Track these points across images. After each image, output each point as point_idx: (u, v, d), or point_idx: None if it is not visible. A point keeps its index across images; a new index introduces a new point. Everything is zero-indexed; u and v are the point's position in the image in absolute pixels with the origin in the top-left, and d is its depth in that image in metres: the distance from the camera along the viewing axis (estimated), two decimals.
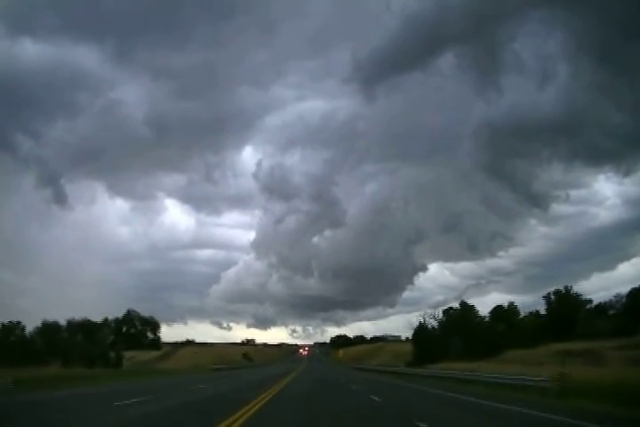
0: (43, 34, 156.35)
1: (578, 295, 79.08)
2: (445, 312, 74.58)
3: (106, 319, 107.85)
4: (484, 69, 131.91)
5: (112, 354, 62.65)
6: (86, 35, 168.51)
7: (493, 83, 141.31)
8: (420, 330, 73.56)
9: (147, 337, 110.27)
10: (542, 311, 77.32)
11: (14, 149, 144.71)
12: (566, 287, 79.24)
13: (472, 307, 73.59)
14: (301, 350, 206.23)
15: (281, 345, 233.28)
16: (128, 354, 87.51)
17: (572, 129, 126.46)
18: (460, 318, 71.01)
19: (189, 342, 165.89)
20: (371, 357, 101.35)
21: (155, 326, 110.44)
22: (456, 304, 75.16)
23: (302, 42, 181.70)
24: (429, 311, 73.80)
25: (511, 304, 78.00)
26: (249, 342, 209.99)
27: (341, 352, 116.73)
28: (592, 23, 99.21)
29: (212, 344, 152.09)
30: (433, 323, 75.41)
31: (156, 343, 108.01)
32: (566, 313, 72.02)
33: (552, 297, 79.87)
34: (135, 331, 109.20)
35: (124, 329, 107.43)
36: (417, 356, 71.63)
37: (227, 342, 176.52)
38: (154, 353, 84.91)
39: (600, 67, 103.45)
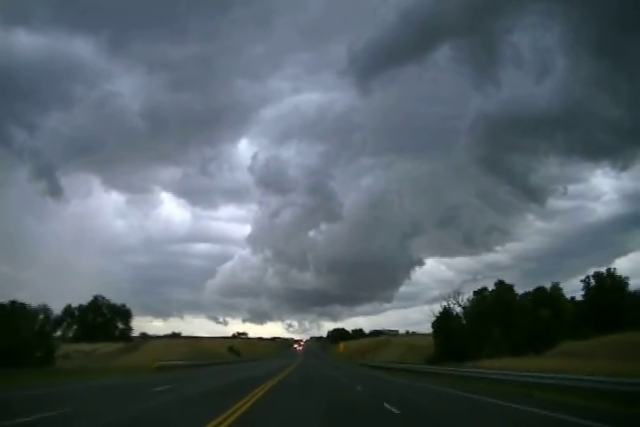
0: (37, 25, 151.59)
1: (621, 279, 65.07)
2: (478, 295, 59.44)
3: (68, 306, 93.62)
4: (480, 62, 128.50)
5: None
6: (81, 26, 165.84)
7: (490, 76, 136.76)
8: (445, 318, 58.49)
9: (116, 327, 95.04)
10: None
11: (9, 142, 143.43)
12: (608, 270, 66.65)
13: (511, 288, 58.36)
14: (296, 345, 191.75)
15: (275, 339, 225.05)
16: (90, 346, 73.37)
17: (569, 123, 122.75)
18: (498, 303, 56.04)
19: (175, 335, 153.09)
20: (377, 351, 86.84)
21: (126, 316, 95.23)
22: (490, 284, 59.88)
23: (299, 34, 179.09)
24: (453, 295, 58.62)
25: (555, 285, 62.88)
26: (240, 336, 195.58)
27: (342, 346, 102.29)
28: (590, 17, 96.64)
29: (199, 338, 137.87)
30: (457, 309, 60.59)
31: (126, 334, 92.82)
32: (609, 299, 60.26)
33: (591, 281, 66.05)
34: (103, 320, 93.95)
35: (90, 318, 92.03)
36: (441, 350, 56.78)
37: (221, 336, 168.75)
38: (118, 345, 70.14)
39: (598, 61, 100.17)
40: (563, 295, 63.55)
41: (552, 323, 56.47)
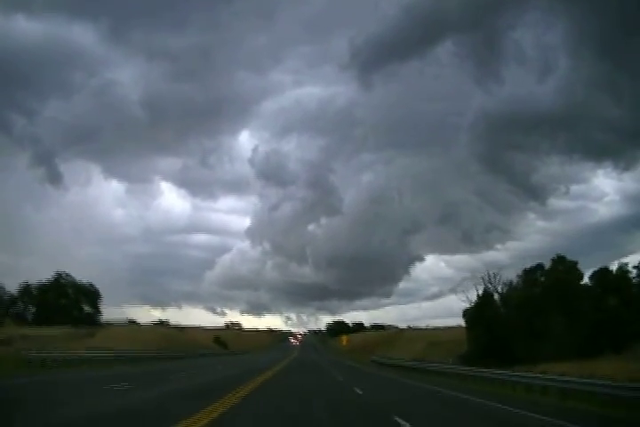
0: (37, 11, 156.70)
1: None
2: (529, 275, 45.46)
3: (26, 285, 80.00)
4: (483, 59, 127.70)
5: None
6: (81, 13, 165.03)
7: (492, 73, 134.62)
8: (484, 306, 44.55)
9: (81, 309, 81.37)
10: None
11: (8, 129, 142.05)
12: None
13: (574, 267, 44.19)
14: (292, 338, 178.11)
15: (271, 331, 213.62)
16: (39, 331, 59.78)
17: (571, 122, 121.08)
18: (556, 286, 42.11)
19: (161, 323, 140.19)
20: (387, 346, 73.29)
21: (94, 297, 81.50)
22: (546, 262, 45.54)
23: (301, 27, 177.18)
24: (490, 277, 44.54)
25: (623, 266, 48.52)
26: (234, 327, 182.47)
27: (345, 339, 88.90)
28: (593, 15, 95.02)
29: (185, 327, 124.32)
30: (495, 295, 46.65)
31: (93, 319, 79.13)
32: None
33: None
34: (67, 302, 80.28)
35: (51, 299, 78.33)
36: (478, 347, 42.99)
37: (213, 326, 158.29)
38: (66, 330, 56.63)
39: (601, 60, 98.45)
40: (629, 280, 49.47)
41: (622, 313, 42.66)
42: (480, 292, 45.04)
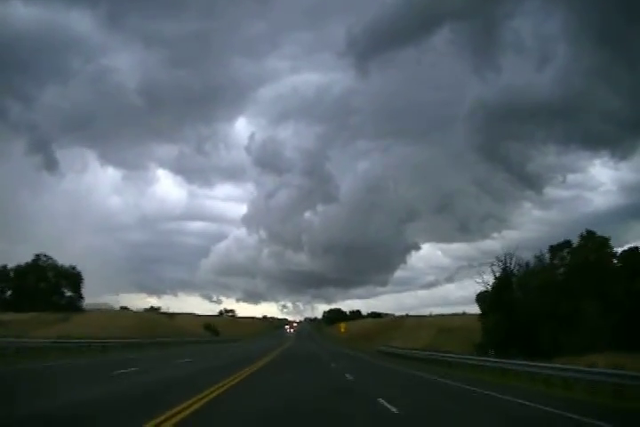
0: None
1: None
2: (557, 252, 40.44)
3: (4, 267, 74.86)
4: (480, 47, 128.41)
5: None
6: None
7: (490, 62, 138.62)
8: (503, 289, 39.59)
9: (62, 294, 76.28)
10: None
11: (5, 114, 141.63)
12: None
13: (605, 243, 39.05)
14: (287, 326, 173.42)
15: (266, 318, 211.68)
16: (13, 316, 54.92)
17: (568, 112, 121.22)
18: (587, 267, 37.24)
19: (153, 309, 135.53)
20: (389, 334, 68.67)
21: (76, 280, 76.38)
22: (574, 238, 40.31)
23: (298, 13, 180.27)
24: (508, 257, 39.41)
25: None
26: (227, 314, 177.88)
27: (343, 327, 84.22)
28: (593, 4, 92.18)
29: (175, 314, 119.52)
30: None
31: (75, 304, 74.10)
32: None
33: None
34: (47, 285, 75.16)
35: (31, 282, 73.15)
36: (497, 336, 38.15)
37: (206, 313, 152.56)
38: (37, 315, 51.70)
39: (600, 49, 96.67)
40: None
41: None
42: (497, 274, 39.97)
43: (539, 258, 42.07)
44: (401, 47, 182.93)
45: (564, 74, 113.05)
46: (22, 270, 73.67)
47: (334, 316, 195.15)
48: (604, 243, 38.48)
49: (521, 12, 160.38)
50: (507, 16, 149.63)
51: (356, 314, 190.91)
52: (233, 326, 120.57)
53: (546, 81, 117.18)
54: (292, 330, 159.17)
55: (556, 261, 42.18)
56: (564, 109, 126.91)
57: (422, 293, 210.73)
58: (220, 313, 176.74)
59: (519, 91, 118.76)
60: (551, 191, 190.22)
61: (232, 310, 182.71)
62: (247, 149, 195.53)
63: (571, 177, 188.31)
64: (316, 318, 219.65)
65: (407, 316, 75.42)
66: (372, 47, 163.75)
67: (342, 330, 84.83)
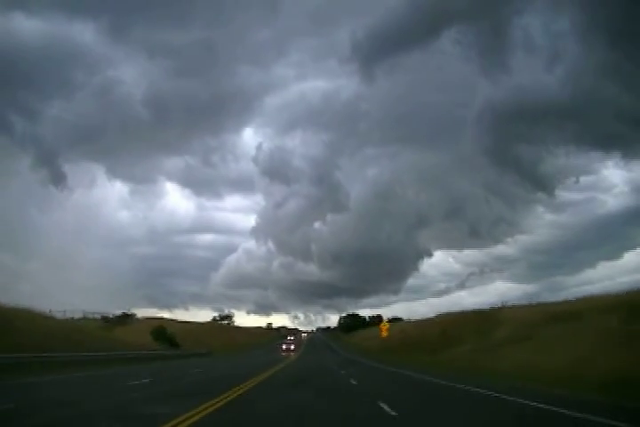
0: (36, 9, 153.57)
1: None
2: None
3: None
4: (488, 47, 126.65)
5: None
6: (81, 10, 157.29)
7: (498, 62, 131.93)
8: None
9: None
10: None
11: (10, 130, 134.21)
12: None
13: None
14: (290, 337, 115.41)
15: (272, 328, 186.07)
16: None
17: (579, 112, 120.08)
18: None
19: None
20: (478, 338, 36.29)
21: None
22: None
23: (304, 19, 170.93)
24: None
25: None
26: (222, 321, 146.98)
27: (385, 329, 51.20)
28: (604, 0, 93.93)
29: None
30: None
31: None
32: None
33: None
34: None
35: None
36: None
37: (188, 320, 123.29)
38: None
39: (611, 47, 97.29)
40: None
41: None
42: None
43: None
44: (407, 50, 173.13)
45: (574, 73, 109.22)
46: None
47: (352, 322, 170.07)
48: None
49: (530, 9, 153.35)
50: (515, 14, 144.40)
51: (377, 319, 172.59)
52: (218, 336, 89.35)
53: (556, 81, 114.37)
54: (291, 347, 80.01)
55: None
56: (575, 109, 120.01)
57: (434, 300, 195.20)
58: (214, 320, 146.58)
59: (529, 91, 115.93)
60: (564, 194, 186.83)
61: (228, 317, 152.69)
62: (255, 159, 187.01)
63: (583, 179, 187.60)
64: (329, 328, 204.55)
65: (503, 307, 41.58)
66: (377, 51, 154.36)
67: (384, 333, 52.39)
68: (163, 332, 56.58)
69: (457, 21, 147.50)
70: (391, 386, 20.42)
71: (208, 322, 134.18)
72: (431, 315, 62.09)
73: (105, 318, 77.37)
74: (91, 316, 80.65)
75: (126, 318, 73.60)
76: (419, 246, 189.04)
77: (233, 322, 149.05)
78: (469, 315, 47.72)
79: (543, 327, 30.20)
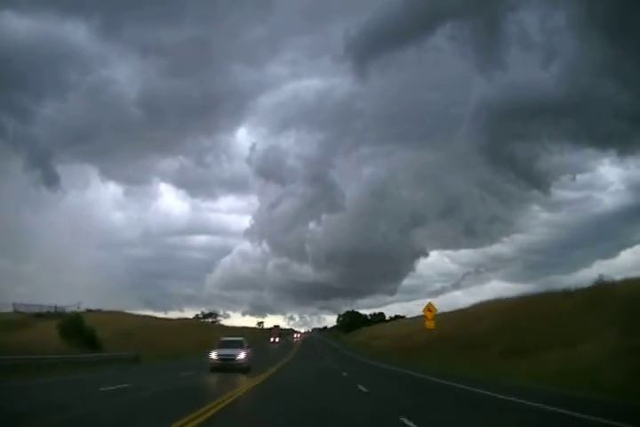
0: (27, 8, 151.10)
1: None
2: None
3: None
4: (483, 43, 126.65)
5: None
6: (72, 9, 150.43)
7: (493, 58, 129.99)
8: None
9: None
10: None
11: (1, 130, 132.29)
12: None
13: None
14: (275, 338, 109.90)
15: (263, 328, 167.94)
16: None
17: (575, 109, 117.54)
18: None
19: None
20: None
21: None
22: None
23: (298, 16, 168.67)
24: None
25: None
26: (205, 318, 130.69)
27: (430, 315, 33.59)
28: None
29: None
30: None
31: None
32: None
33: None
34: None
35: None
36: None
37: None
38: None
39: (609, 44, 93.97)
40: None
41: None
42: None
43: None
44: (401, 48, 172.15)
45: (571, 70, 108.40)
46: None
47: (353, 320, 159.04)
48: None
49: (526, 5, 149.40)
50: (511, 9, 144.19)
51: (379, 317, 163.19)
52: (189, 334, 72.45)
53: (552, 78, 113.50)
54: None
55: None
56: (570, 107, 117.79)
57: (431, 300, 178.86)
58: (197, 317, 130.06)
59: (524, 88, 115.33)
60: (560, 192, 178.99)
61: (213, 314, 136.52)
62: (248, 160, 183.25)
63: (579, 177, 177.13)
64: (325, 327, 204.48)
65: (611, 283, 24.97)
66: (370, 49, 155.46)
67: (430, 324, 34.50)
68: (77, 326, 38.47)
69: (452, 17, 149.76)
70: None
71: (189, 319, 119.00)
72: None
73: (38, 314, 60.94)
74: (23, 309, 65.03)
75: (63, 313, 56.32)
76: (414, 246, 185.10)
77: (218, 320, 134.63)
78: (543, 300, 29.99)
79: None
